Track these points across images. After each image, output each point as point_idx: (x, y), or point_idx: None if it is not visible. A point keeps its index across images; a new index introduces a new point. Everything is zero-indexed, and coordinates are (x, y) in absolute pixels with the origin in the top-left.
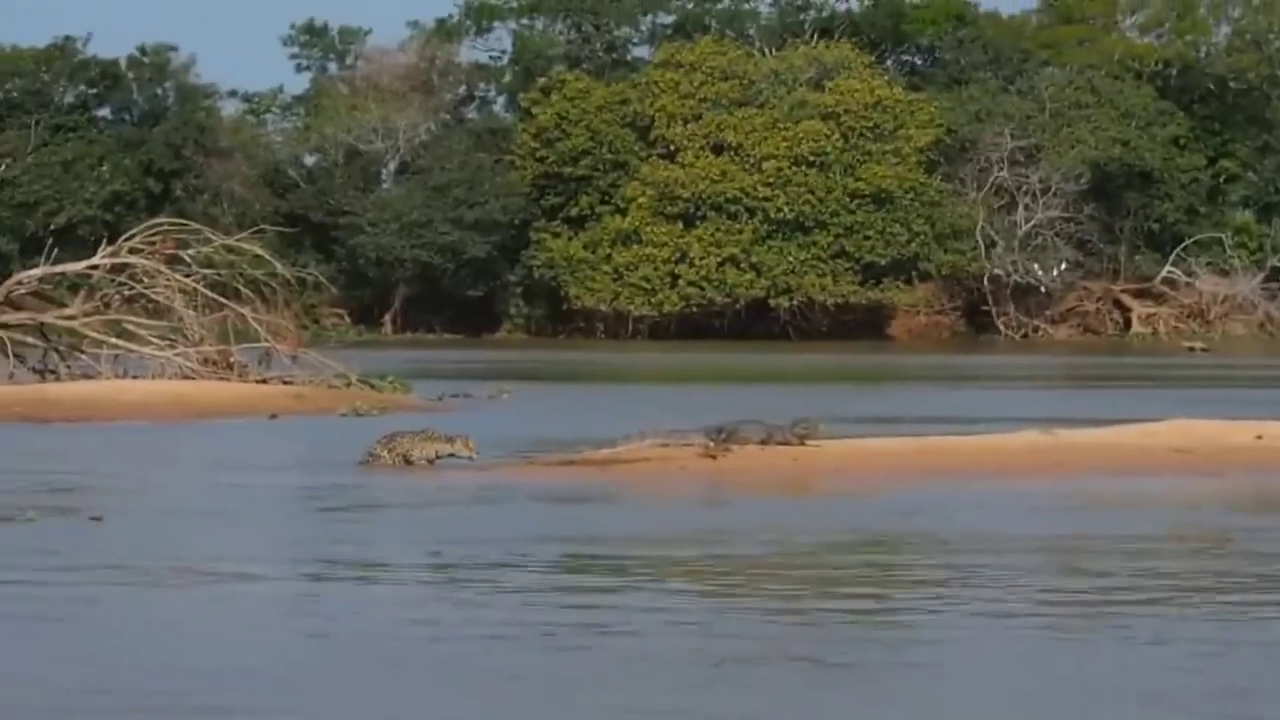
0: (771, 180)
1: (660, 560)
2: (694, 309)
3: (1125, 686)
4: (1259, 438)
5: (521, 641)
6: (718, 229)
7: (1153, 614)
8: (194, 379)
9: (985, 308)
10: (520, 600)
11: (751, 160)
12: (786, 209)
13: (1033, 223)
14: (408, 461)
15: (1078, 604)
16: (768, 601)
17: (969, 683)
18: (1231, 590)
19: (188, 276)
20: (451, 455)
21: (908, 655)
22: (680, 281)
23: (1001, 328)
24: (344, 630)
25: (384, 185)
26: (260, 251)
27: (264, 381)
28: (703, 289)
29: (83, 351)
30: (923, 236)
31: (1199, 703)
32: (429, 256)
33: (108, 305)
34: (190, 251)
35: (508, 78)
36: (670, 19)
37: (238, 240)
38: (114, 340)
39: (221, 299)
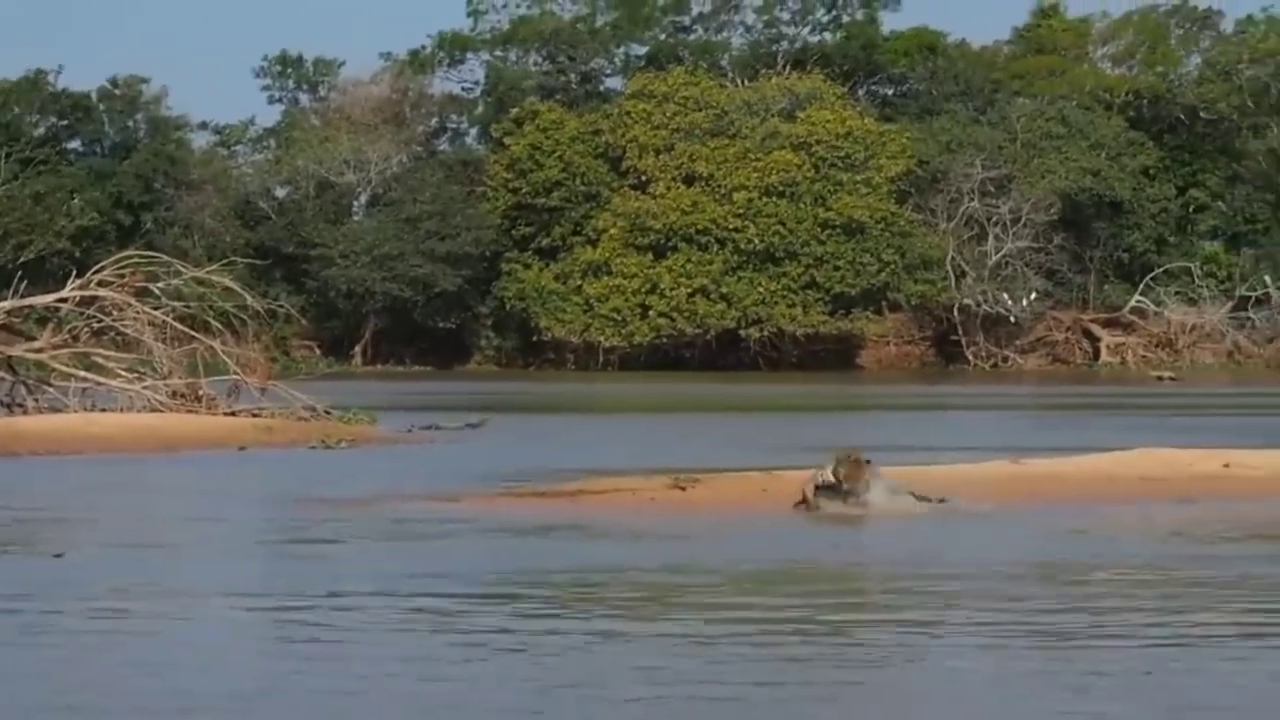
0: (742, 211)
1: (615, 592)
2: (664, 340)
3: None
4: (1226, 466)
5: (488, 676)
6: (688, 260)
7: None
8: (163, 411)
9: (955, 338)
10: (477, 632)
11: (722, 191)
12: (757, 240)
13: (1003, 253)
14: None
15: (1031, 633)
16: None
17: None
18: (1173, 625)
19: (157, 309)
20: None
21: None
22: (651, 312)
23: (971, 358)
24: (301, 667)
25: (355, 217)
26: (230, 284)
27: (233, 414)
28: (673, 320)
29: (50, 384)
30: (893, 266)
31: None
32: (400, 289)
33: (76, 338)
34: (160, 284)
35: (480, 109)
36: (643, 50)
37: (208, 273)
38: (82, 373)
39: (191, 331)
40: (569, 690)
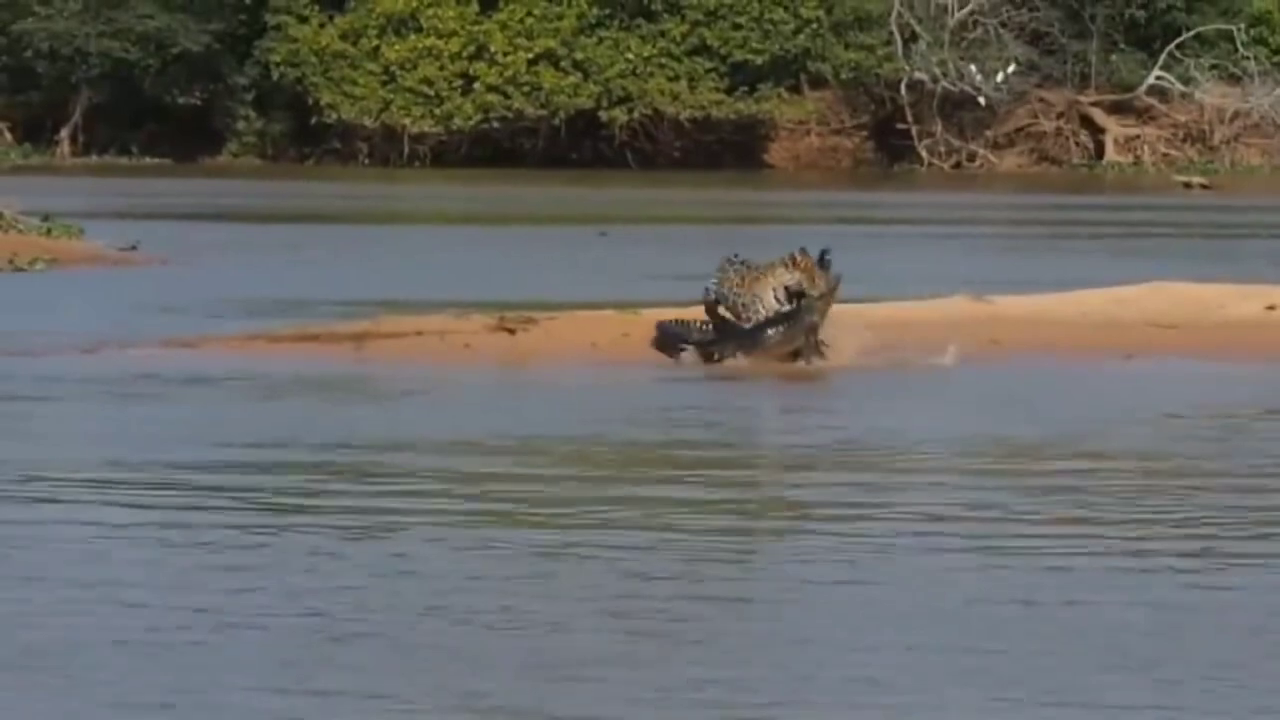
0: None
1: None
2: (494, 125)
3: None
4: (1271, 308)
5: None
6: (529, 12)
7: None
8: None
9: (902, 126)
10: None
11: None
12: None
13: (969, 8)
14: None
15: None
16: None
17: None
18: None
19: None
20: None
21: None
22: (476, 86)
23: (924, 154)
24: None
25: None
26: None
27: None
28: (507, 96)
29: None
30: (815, 26)
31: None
32: (124, 49)
33: None
34: None
35: None
36: None
37: None
38: None
39: None
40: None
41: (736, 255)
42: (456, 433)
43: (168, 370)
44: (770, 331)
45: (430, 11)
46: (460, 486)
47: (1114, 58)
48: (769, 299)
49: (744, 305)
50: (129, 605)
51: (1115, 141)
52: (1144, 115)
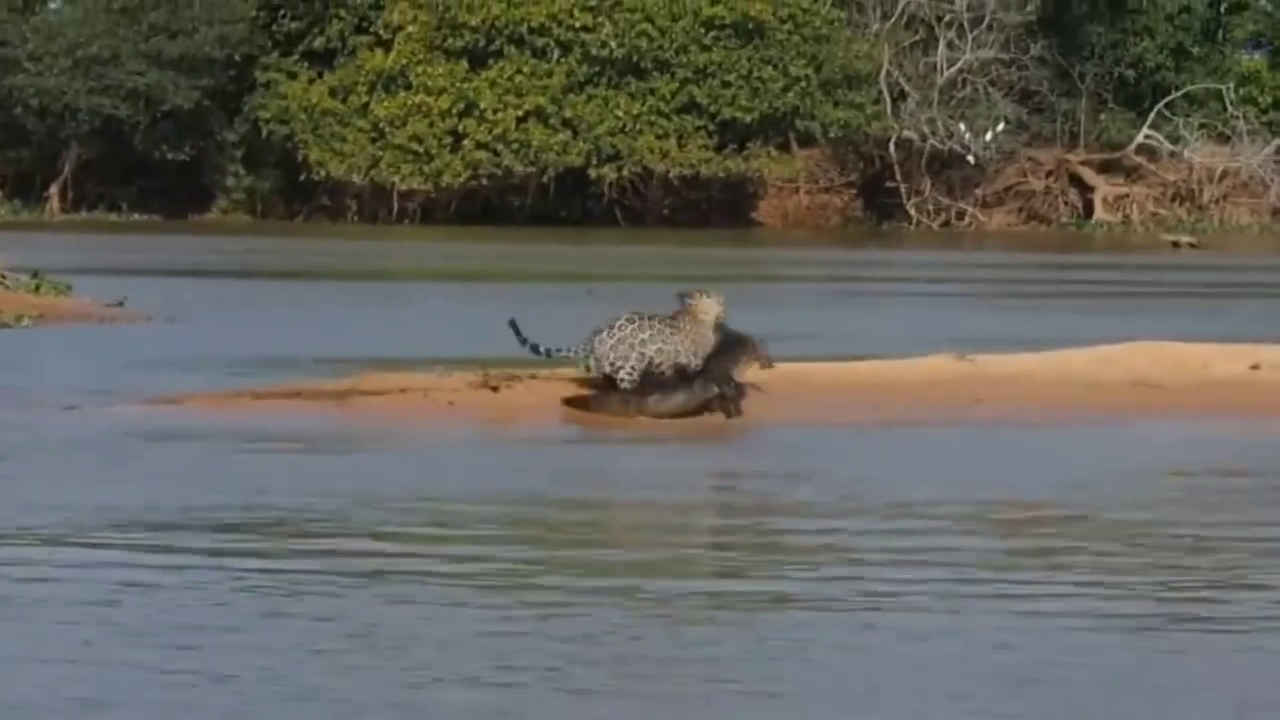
0: (594, 4)
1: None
2: (483, 182)
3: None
4: (1255, 367)
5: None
6: (518, 70)
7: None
8: None
9: (890, 184)
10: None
11: None
12: (615, 43)
13: (958, 67)
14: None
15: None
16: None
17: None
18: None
19: None
20: None
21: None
22: (465, 143)
23: (913, 212)
24: None
25: (51, 5)
26: None
27: None
28: (496, 154)
29: None
30: (804, 84)
31: None
32: (114, 106)
33: None
34: None
35: None
36: None
37: None
38: None
39: None
40: None
41: (634, 316)
42: (432, 489)
43: (149, 427)
44: (737, 352)
45: (420, 69)
46: (431, 544)
47: (1103, 117)
48: (710, 335)
49: (695, 352)
50: (82, 656)
51: (1104, 200)
52: (1133, 174)
